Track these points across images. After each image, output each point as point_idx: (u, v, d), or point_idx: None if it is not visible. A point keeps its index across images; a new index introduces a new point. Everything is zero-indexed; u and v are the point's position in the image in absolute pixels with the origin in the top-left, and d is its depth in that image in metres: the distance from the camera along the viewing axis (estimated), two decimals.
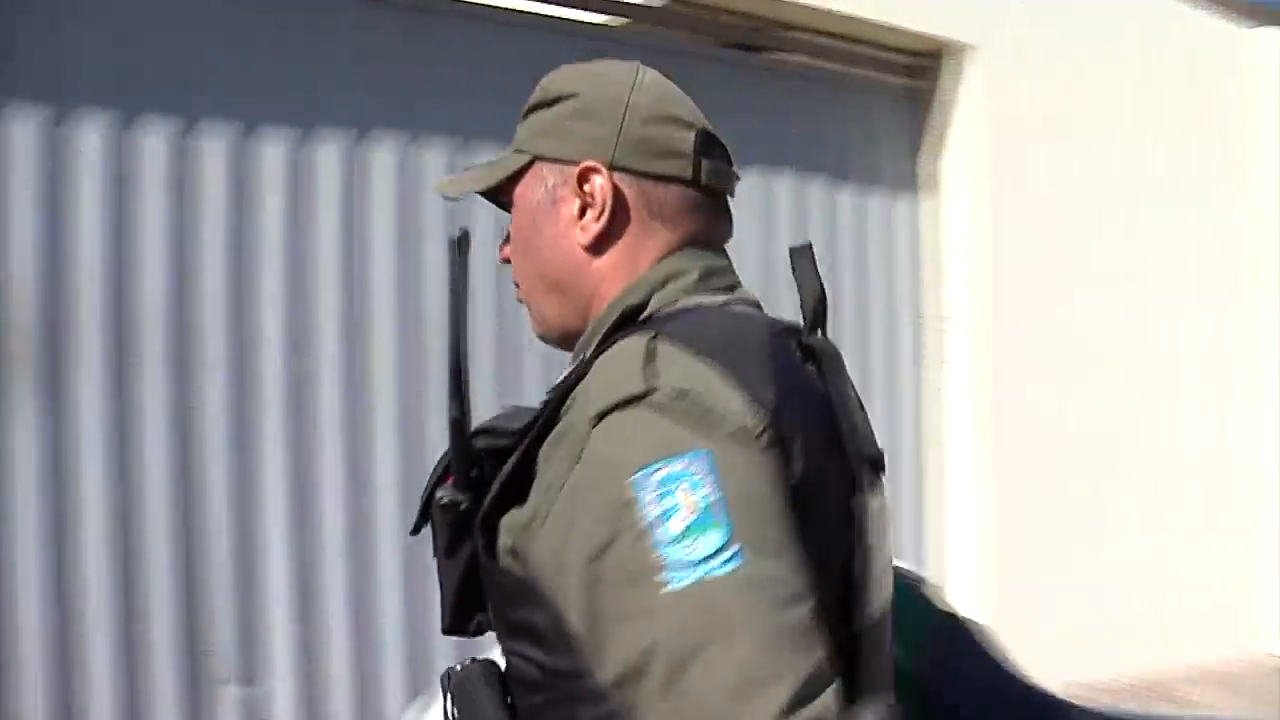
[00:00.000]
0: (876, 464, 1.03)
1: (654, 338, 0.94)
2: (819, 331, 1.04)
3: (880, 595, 1.02)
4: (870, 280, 4.42)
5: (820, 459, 0.94)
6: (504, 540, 0.96)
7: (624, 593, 0.86)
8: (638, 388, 0.90)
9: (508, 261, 1.14)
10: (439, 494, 1.03)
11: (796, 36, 4.25)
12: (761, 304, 1.09)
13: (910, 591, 2.30)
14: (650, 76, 1.10)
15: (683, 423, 0.88)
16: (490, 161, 1.14)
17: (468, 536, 1.00)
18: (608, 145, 1.06)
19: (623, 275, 1.07)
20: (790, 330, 1.02)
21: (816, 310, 1.03)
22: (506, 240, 1.14)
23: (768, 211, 4.05)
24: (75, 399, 2.71)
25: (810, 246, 1.08)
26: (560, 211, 1.07)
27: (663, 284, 1.04)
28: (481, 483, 0.98)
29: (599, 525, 0.88)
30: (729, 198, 1.12)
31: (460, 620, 1.04)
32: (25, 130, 2.67)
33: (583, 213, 1.06)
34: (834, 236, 4.32)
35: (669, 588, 0.83)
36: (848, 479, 0.97)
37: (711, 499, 0.85)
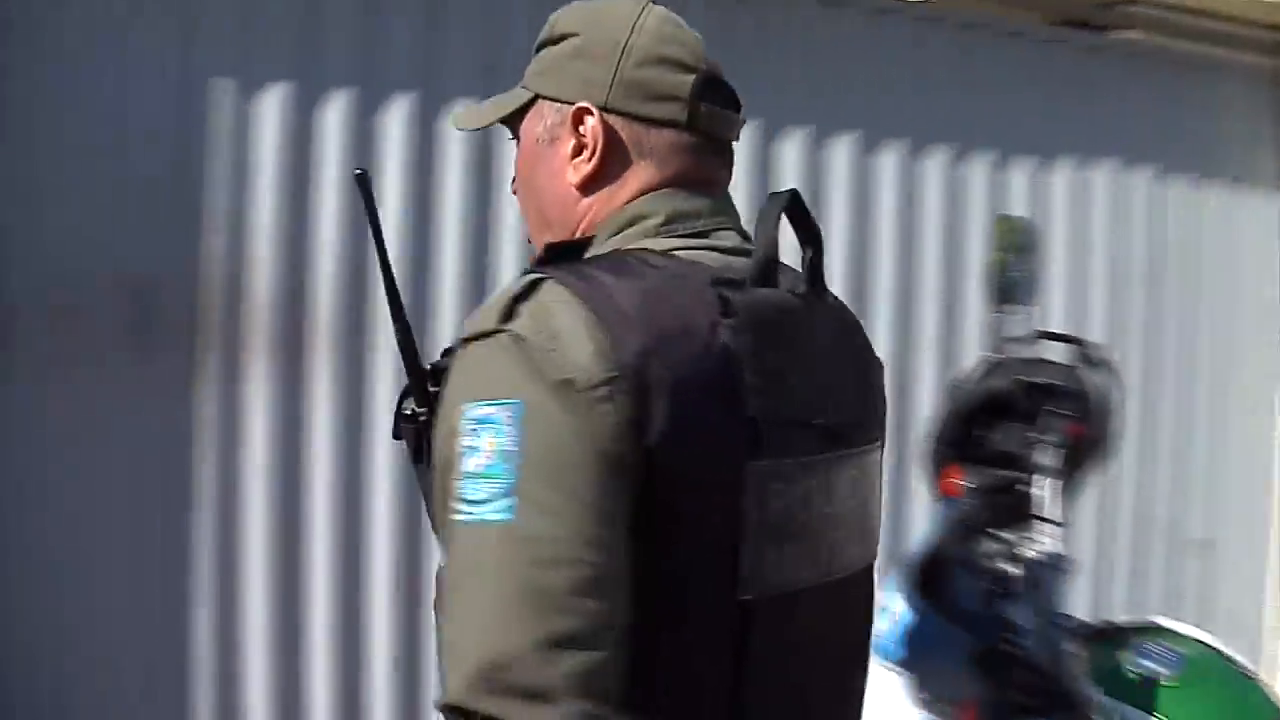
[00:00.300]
0: (830, 431, 1.01)
1: (544, 277, 0.95)
2: (774, 286, 1.01)
3: (796, 569, 0.98)
4: (1238, 290, 3.92)
5: (700, 414, 0.91)
6: None
7: (449, 511, 0.91)
8: (490, 324, 0.92)
9: (515, 195, 1.17)
10: (404, 405, 1.10)
11: (1143, 12, 3.79)
12: (743, 249, 1.06)
13: (1246, 688, 2.04)
14: (654, 17, 1.09)
15: (513, 367, 0.90)
16: (500, 97, 1.17)
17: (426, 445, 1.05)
18: (603, 87, 1.06)
19: (599, 214, 1.08)
20: (731, 284, 0.98)
21: (763, 262, 0.99)
22: (516, 176, 1.16)
23: (1119, 210, 3.63)
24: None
25: (786, 196, 1.04)
26: (557, 150, 1.09)
27: (630, 225, 1.04)
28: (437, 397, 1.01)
29: (441, 446, 0.94)
30: (732, 143, 1.12)
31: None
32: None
33: (577, 152, 1.08)
34: (1196, 239, 3.84)
35: (458, 520, 0.89)
36: (743, 440, 0.94)
37: (507, 449, 0.87)
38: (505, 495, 0.87)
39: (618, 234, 1.05)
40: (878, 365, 1.18)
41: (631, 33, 1.07)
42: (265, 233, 2.66)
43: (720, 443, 0.93)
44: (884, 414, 1.17)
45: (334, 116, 2.72)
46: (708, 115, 1.07)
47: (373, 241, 1.13)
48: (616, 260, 1.00)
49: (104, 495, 2.52)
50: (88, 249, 2.51)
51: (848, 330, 1.12)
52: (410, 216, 2.80)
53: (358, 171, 1.14)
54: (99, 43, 2.51)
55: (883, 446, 1.15)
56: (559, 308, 0.92)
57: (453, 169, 2.84)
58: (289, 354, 2.67)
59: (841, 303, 1.15)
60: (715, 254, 1.03)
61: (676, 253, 1.02)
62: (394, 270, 1.15)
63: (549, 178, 1.10)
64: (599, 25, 1.08)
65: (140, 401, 2.54)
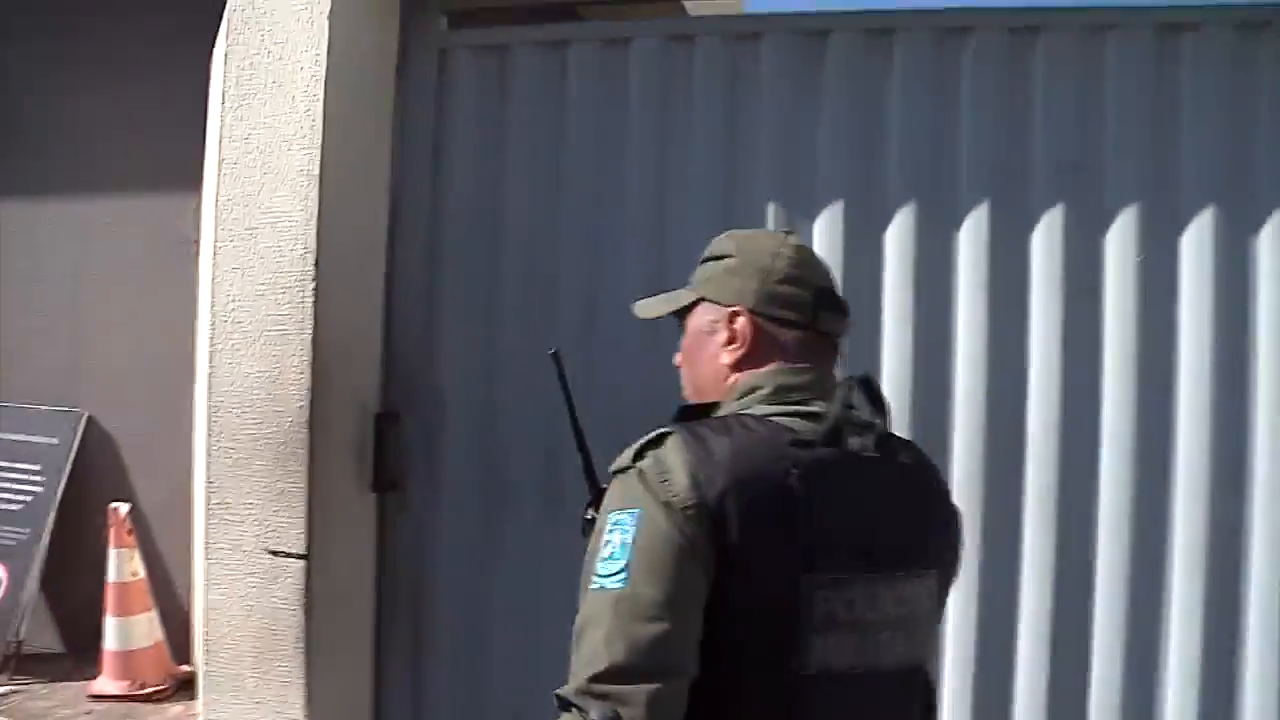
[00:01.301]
0: (875, 555, 1.37)
1: (669, 432, 1.37)
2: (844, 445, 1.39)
3: (841, 654, 1.33)
4: None
5: (763, 537, 1.31)
6: None
7: (587, 581, 1.33)
8: (627, 463, 1.36)
9: (679, 367, 1.60)
10: (587, 513, 1.60)
11: None
12: (820, 414, 1.40)
13: None
14: (789, 247, 1.51)
15: (639, 489, 1.32)
16: (673, 293, 1.61)
17: None
18: (751, 296, 1.49)
19: (740, 384, 1.50)
20: (802, 444, 1.36)
21: (829, 428, 1.38)
22: (679, 352, 1.60)
23: None
24: None
25: (858, 378, 1.44)
26: (715, 338, 1.52)
27: (748, 393, 1.46)
28: None
29: (593, 540, 1.36)
30: (839, 338, 1.53)
31: None
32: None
33: (730, 341, 1.50)
34: None
35: (592, 586, 1.31)
36: (797, 558, 1.32)
37: (628, 541, 1.30)
38: (621, 570, 1.28)
39: (739, 399, 1.46)
40: (944, 513, 1.52)
41: (774, 258, 1.50)
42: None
43: (779, 558, 1.32)
44: (945, 551, 1.51)
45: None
46: (824, 319, 1.50)
47: (566, 405, 1.74)
48: (726, 421, 1.40)
49: None
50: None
51: (914, 483, 1.47)
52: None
53: (554, 349, 1.77)
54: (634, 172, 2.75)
55: (942, 575, 1.48)
56: (672, 454, 1.34)
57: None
58: None
59: (916, 460, 1.49)
60: (800, 420, 1.41)
61: (772, 418, 1.40)
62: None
63: (708, 358, 1.53)
64: (750, 250, 1.52)
65: None
